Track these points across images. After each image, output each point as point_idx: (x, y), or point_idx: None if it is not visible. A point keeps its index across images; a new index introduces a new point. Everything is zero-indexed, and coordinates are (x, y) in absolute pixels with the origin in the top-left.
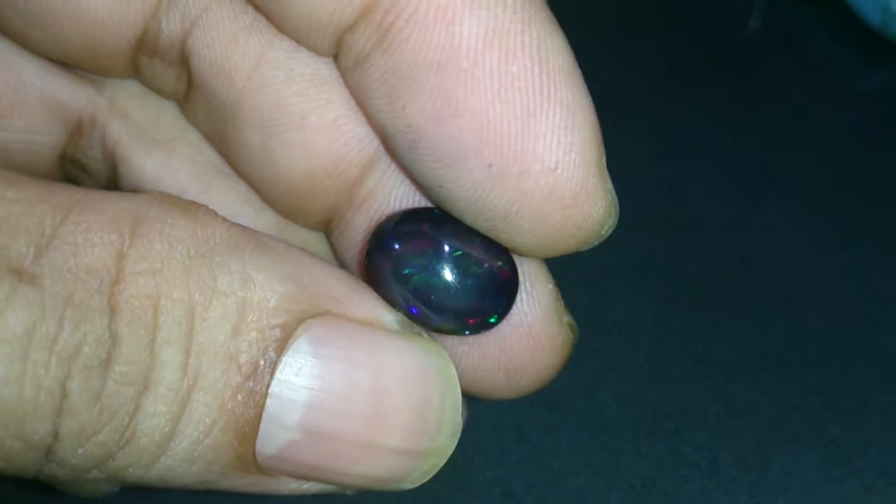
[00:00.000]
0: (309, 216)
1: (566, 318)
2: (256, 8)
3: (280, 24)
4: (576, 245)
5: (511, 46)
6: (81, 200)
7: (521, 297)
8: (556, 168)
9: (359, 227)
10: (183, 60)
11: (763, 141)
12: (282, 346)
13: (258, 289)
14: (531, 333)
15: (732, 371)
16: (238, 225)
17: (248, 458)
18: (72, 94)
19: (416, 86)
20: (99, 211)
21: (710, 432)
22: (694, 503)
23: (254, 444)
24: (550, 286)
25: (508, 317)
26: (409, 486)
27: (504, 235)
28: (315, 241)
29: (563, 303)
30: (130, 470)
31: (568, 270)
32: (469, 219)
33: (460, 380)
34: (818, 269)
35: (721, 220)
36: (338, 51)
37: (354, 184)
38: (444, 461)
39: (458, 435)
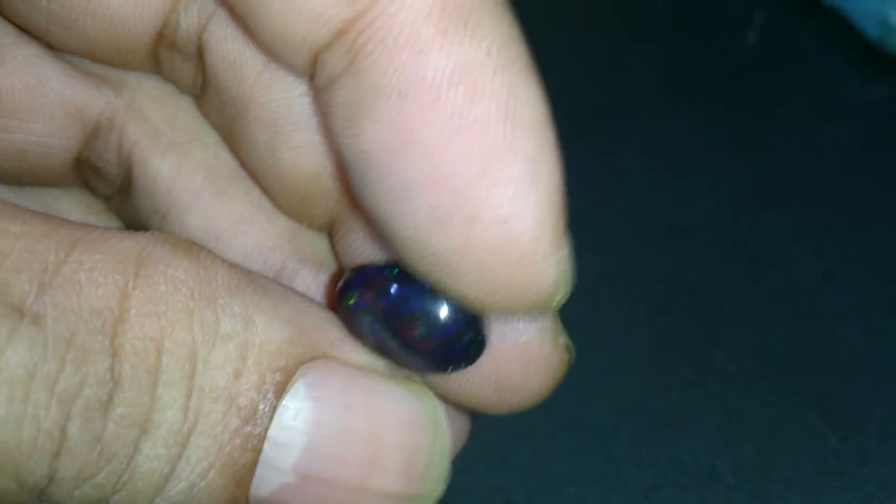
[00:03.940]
0: (312, 217)
1: (562, 339)
2: (237, 22)
3: (257, 42)
4: (522, 308)
5: (478, 87)
6: (85, 238)
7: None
8: (506, 221)
9: (360, 231)
10: (199, 55)
11: (762, 152)
12: (281, 390)
13: (260, 332)
14: (525, 353)
15: (731, 380)
16: (237, 266)
17: (241, 501)
18: (90, 97)
19: (375, 112)
20: (103, 250)
21: (709, 441)
22: None
23: (248, 488)
24: None
25: (502, 334)
26: None
27: (447, 285)
28: (323, 247)
29: (560, 323)
30: None
31: None
32: (411, 262)
33: (448, 393)
34: (818, 279)
35: (720, 230)
36: (313, 71)
37: None
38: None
39: (447, 480)
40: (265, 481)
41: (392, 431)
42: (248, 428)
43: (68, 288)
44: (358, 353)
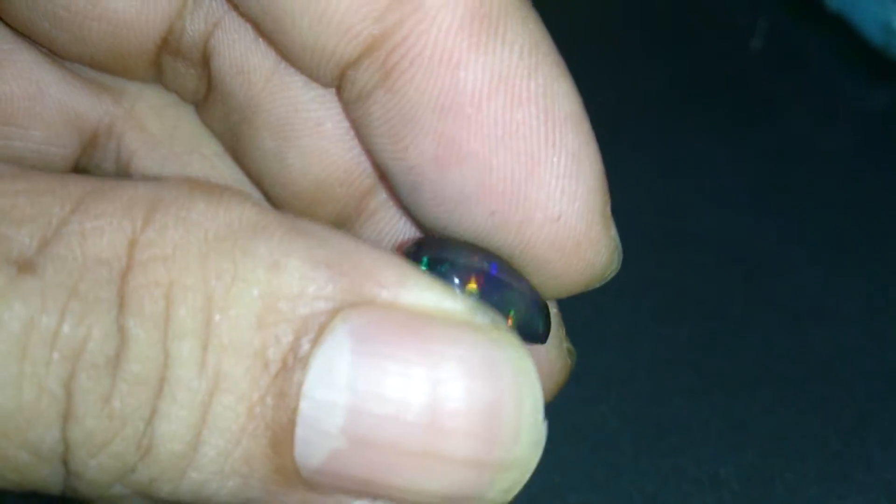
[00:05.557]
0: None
1: (565, 344)
2: (261, 35)
3: (283, 54)
4: (577, 289)
5: (516, 92)
6: (97, 189)
7: None
8: (559, 218)
9: (367, 239)
10: (205, 61)
11: (765, 158)
12: (316, 340)
13: (287, 275)
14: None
15: (734, 386)
16: (271, 209)
17: (289, 471)
18: (90, 106)
19: (419, 128)
20: (113, 198)
21: (712, 447)
22: None
23: (292, 454)
24: (554, 311)
25: None
26: None
27: None
28: None
29: (564, 328)
30: (157, 485)
31: None
32: None
33: None
34: (820, 285)
35: (723, 236)
36: (340, 84)
37: (365, 194)
38: (527, 475)
39: (543, 443)
40: (313, 447)
41: (461, 384)
42: (279, 383)
43: (71, 238)
44: (419, 295)
